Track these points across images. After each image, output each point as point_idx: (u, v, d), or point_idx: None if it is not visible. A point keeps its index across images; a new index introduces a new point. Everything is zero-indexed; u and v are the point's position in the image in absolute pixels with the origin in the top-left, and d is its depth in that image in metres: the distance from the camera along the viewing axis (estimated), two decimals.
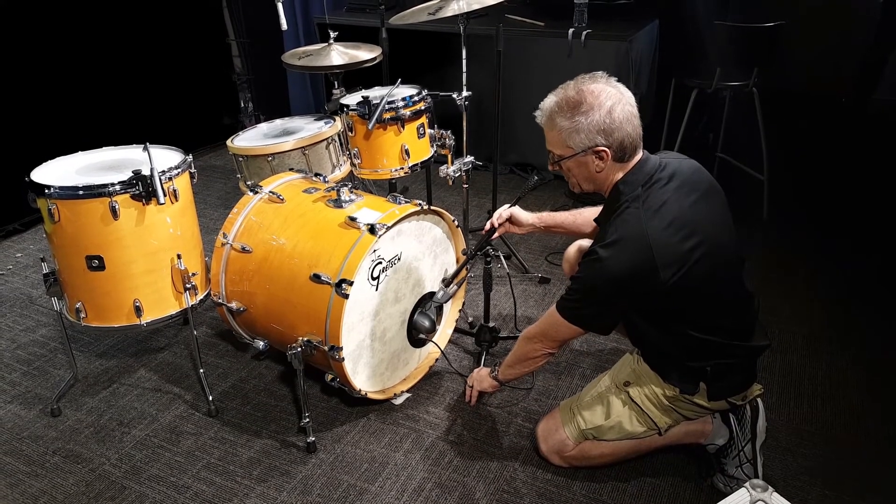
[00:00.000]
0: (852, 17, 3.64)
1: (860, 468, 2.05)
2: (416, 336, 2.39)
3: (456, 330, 2.72)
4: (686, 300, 1.72)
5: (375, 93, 2.71)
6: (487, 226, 2.28)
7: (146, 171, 2.08)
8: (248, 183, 2.74)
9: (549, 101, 1.75)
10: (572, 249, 2.39)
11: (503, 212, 2.27)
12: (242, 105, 5.04)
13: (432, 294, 2.41)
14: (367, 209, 2.23)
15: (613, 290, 1.70)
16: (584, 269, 1.74)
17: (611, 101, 1.67)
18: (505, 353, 2.56)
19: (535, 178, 2.38)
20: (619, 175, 1.75)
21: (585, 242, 2.33)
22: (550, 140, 1.78)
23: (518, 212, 2.26)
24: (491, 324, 2.56)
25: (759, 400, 1.95)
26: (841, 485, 1.99)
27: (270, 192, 2.40)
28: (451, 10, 2.64)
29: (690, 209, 1.71)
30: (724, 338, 1.78)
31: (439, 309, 2.41)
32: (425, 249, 2.35)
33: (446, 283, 2.33)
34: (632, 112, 1.70)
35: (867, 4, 3.61)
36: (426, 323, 2.31)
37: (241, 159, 2.86)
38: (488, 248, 2.35)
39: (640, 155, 1.75)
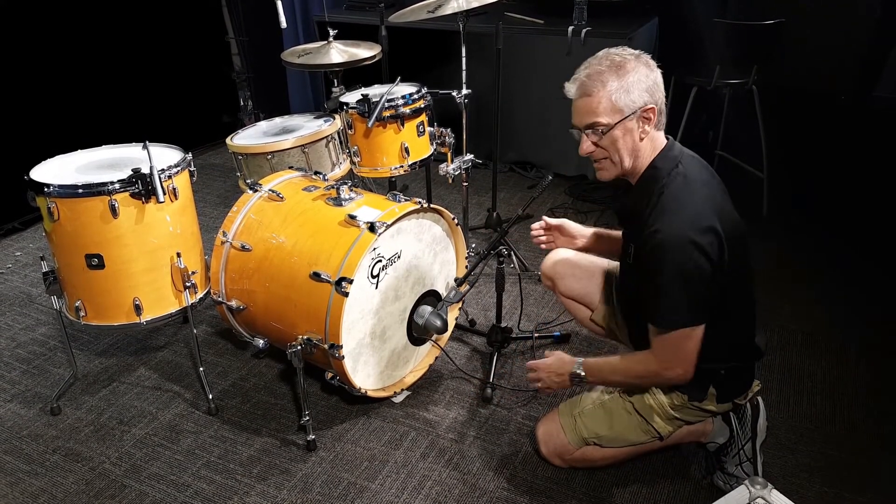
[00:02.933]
0: (852, 14, 3.63)
1: (859, 465, 2.05)
2: (423, 335, 2.39)
3: (462, 329, 2.73)
4: (728, 285, 1.66)
5: (375, 91, 2.71)
6: (537, 227, 2.14)
7: (146, 170, 2.08)
8: (248, 181, 2.74)
9: (585, 72, 1.67)
10: (557, 263, 2.23)
11: (552, 221, 2.13)
12: (242, 103, 5.04)
13: (432, 292, 2.41)
14: (367, 207, 2.23)
15: (702, 257, 1.59)
16: (663, 254, 1.60)
17: (645, 65, 1.66)
18: (516, 354, 2.58)
19: (550, 177, 2.33)
20: (653, 155, 1.72)
21: (564, 252, 2.22)
22: (594, 108, 1.66)
23: (571, 224, 2.13)
24: (503, 324, 2.56)
25: (759, 399, 1.94)
26: (840, 482, 1.99)
27: (270, 190, 2.40)
28: (450, 8, 2.64)
29: (720, 195, 1.71)
30: (743, 337, 1.77)
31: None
32: (425, 247, 2.35)
33: (458, 282, 2.32)
34: (661, 77, 1.69)
35: (867, 1, 3.60)
36: (438, 323, 2.25)
37: (240, 157, 2.85)
38: (501, 247, 2.33)
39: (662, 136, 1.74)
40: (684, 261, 1.59)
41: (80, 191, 2.05)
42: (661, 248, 1.61)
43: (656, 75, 1.67)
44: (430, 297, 2.40)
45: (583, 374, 1.86)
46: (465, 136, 2.95)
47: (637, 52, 1.69)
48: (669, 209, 1.63)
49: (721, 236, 1.61)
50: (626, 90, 1.64)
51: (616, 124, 1.67)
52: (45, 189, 2.05)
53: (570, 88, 1.71)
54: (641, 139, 1.70)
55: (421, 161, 2.68)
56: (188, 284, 2.25)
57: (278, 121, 3.13)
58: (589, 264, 2.19)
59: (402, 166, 2.62)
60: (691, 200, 1.63)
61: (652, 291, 1.66)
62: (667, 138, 1.75)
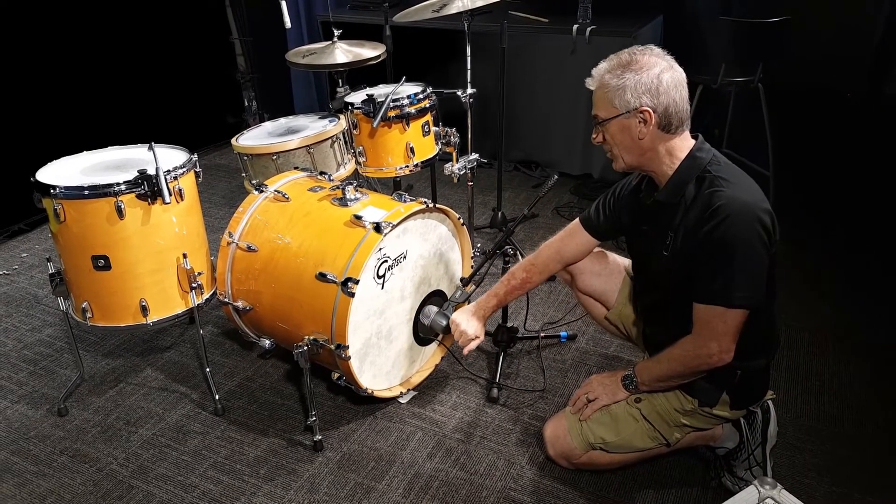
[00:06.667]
0: (859, 10, 3.61)
1: (868, 464, 2.04)
2: (431, 335, 2.38)
3: None
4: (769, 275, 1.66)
5: (380, 91, 2.71)
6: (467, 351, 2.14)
7: (151, 171, 2.08)
8: (253, 182, 2.74)
9: (602, 65, 1.70)
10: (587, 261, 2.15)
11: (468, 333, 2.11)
12: (246, 104, 5.04)
13: (438, 292, 2.40)
14: (373, 207, 2.23)
15: (766, 235, 1.59)
16: (732, 229, 1.58)
17: (660, 67, 1.63)
18: (522, 354, 2.57)
19: (555, 176, 2.31)
20: (680, 150, 1.69)
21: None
22: (597, 101, 1.72)
23: (465, 322, 2.13)
24: (509, 324, 2.55)
25: (770, 404, 1.92)
26: (849, 481, 1.98)
27: (275, 190, 2.40)
28: (454, 7, 2.64)
29: None
30: (767, 332, 1.76)
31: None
32: (430, 247, 2.35)
33: (464, 282, 2.31)
34: (681, 81, 1.65)
35: None
36: (443, 322, 2.25)
37: (245, 158, 2.86)
38: (506, 246, 2.32)
39: (689, 135, 1.71)
40: (752, 238, 1.59)
41: (87, 192, 2.05)
42: (728, 224, 1.59)
43: (668, 78, 1.62)
44: (436, 296, 2.40)
45: (631, 371, 1.88)
46: (469, 136, 2.95)
47: (659, 52, 1.66)
48: (728, 187, 1.61)
49: (775, 219, 1.62)
50: (622, 89, 1.64)
51: (611, 119, 1.69)
52: (52, 190, 2.06)
53: (588, 79, 1.74)
54: (641, 139, 1.67)
55: (426, 161, 2.67)
56: (194, 285, 2.25)
57: (283, 121, 3.13)
58: (611, 262, 2.15)
59: (407, 166, 2.62)
60: (747, 182, 1.65)
61: (716, 268, 1.62)
62: (695, 136, 1.73)
